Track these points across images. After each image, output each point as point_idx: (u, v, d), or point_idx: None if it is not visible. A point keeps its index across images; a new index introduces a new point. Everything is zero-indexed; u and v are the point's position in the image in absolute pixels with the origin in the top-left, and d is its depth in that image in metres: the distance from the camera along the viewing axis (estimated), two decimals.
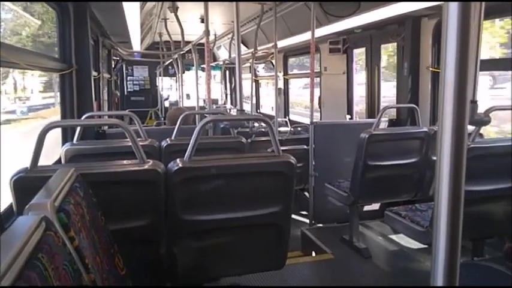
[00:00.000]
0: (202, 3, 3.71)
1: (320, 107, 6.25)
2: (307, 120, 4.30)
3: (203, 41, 3.79)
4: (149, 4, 5.31)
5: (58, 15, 3.54)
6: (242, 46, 7.63)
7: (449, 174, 0.70)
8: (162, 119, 9.37)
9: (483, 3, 1.74)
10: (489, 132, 3.70)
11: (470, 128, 2.51)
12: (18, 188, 1.78)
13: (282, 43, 5.70)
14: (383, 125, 4.30)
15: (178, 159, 2.07)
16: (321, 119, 6.16)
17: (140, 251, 2.03)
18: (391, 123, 4.53)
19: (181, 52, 6.13)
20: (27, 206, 1.21)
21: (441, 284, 0.72)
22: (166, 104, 10.86)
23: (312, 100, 4.19)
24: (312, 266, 3.47)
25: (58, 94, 4.84)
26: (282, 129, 5.69)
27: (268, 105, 9.84)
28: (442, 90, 0.69)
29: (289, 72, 8.13)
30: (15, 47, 2.93)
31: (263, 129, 4.88)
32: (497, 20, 3.67)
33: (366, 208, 4.09)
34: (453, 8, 0.66)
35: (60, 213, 1.24)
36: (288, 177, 2.20)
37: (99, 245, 1.50)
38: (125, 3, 3.63)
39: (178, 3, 5.05)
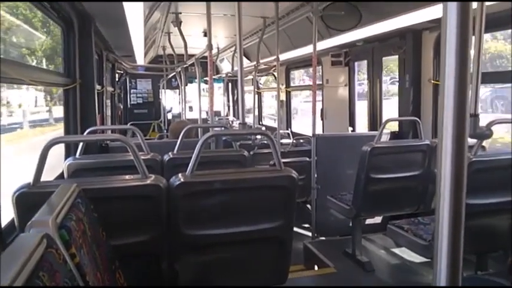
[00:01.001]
0: (205, 18, 3.75)
1: (322, 119, 6.27)
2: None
3: (206, 54, 3.81)
4: (153, 18, 5.37)
5: (63, 31, 3.58)
6: (245, 59, 7.69)
7: (450, 187, 0.69)
8: (165, 131, 9.41)
9: (483, 16, 1.74)
10: None
11: (473, 141, 2.50)
12: (20, 204, 1.77)
13: (284, 56, 5.74)
14: (385, 137, 4.30)
15: (180, 174, 2.07)
16: (323, 131, 6.17)
17: (142, 266, 2.02)
18: (393, 135, 4.52)
19: (185, 65, 6.17)
20: (29, 223, 1.21)
21: None
22: (169, 116, 10.92)
23: (314, 112, 4.21)
24: (314, 280, 3.44)
25: (30, 110, 4.70)
26: (284, 141, 5.69)
27: (271, 117, 9.88)
28: (441, 103, 0.68)
29: (295, 84, 8.18)
30: (18, 63, 2.95)
31: (265, 142, 4.89)
32: None
33: (369, 221, 4.06)
34: (452, 18, 0.66)
35: (61, 230, 1.24)
36: (290, 191, 2.20)
37: (100, 261, 1.50)
38: (129, 19, 3.67)
39: (182, 18, 5.11)
